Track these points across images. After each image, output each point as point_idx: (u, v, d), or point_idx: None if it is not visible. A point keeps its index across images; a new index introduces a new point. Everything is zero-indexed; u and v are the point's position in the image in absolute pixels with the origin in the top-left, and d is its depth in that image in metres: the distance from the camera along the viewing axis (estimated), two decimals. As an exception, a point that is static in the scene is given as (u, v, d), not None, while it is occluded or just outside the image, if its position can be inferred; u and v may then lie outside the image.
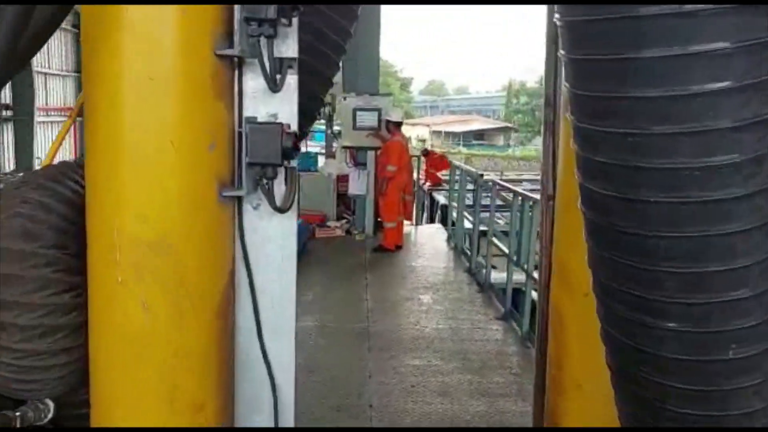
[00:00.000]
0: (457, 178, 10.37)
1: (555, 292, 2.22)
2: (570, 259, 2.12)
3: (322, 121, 10.72)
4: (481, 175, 7.99)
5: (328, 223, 10.06)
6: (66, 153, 22.25)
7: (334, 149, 10.67)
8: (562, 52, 1.36)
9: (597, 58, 1.27)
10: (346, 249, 9.24)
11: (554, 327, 2.19)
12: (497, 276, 7.51)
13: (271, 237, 2.13)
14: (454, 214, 9.92)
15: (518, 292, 6.78)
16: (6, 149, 18.49)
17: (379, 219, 9.60)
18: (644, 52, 1.20)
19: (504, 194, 7.87)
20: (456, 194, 9.98)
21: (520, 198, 6.33)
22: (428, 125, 56.21)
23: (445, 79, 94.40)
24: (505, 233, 8.10)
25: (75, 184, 2.07)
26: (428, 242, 9.91)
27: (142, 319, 1.82)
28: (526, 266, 5.85)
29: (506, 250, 6.63)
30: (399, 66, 66.46)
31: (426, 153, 18.00)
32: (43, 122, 20.12)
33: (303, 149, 11.44)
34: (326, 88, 2.90)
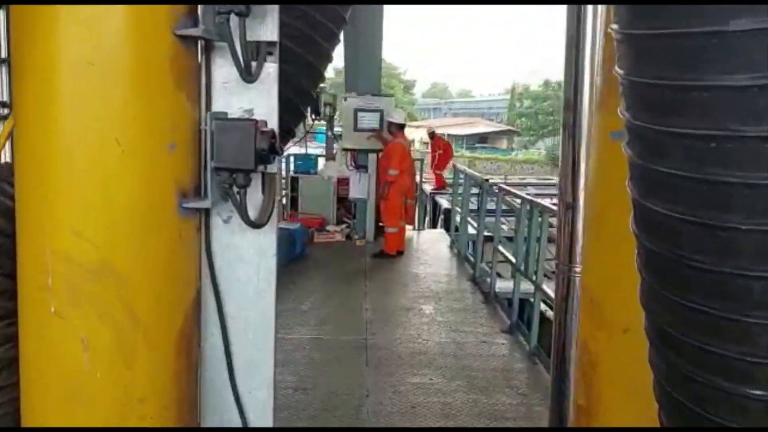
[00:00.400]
0: (460, 182, 10.06)
1: (585, 326, 1.89)
2: (604, 289, 1.78)
3: (323, 121, 10.37)
4: (486, 180, 7.66)
5: (328, 228, 9.72)
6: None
7: (334, 151, 10.33)
8: (615, 27, 1.03)
9: (669, 34, 0.93)
10: (346, 254, 8.90)
11: (584, 369, 1.86)
12: (502, 285, 7.17)
13: (245, 256, 1.79)
14: (458, 219, 9.57)
15: (525, 303, 6.45)
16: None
17: (380, 224, 9.27)
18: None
19: (509, 199, 7.53)
20: (459, 198, 9.64)
21: (527, 204, 5.98)
22: (431, 128, 55.81)
23: (448, 81, 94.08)
24: (510, 239, 7.80)
25: (12, 189, 1.72)
26: (430, 248, 9.57)
27: (81, 358, 1.48)
28: (534, 277, 5.50)
29: (512, 259, 6.29)
30: (402, 68, 66.09)
31: (432, 135, 17.49)
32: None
33: (303, 151, 11.14)
34: (316, 81, 2.58)
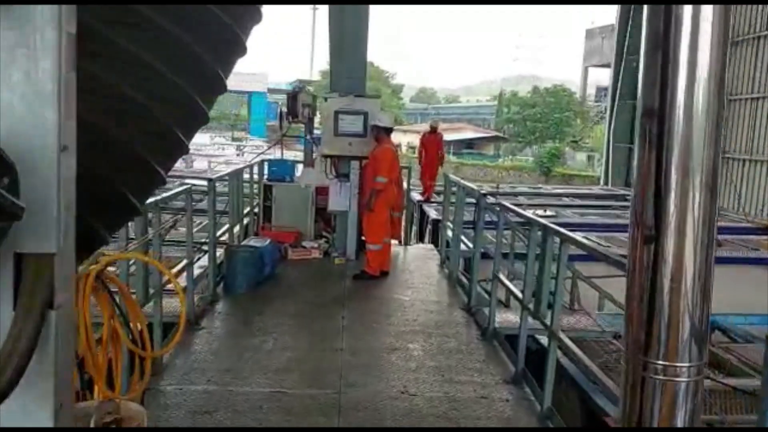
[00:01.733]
0: (453, 190, 8.97)
1: None
2: None
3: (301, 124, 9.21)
4: (484, 195, 6.54)
5: (304, 243, 8.56)
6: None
7: (314, 157, 9.18)
8: None
9: None
10: (323, 275, 7.75)
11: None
12: (503, 318, 6.07)
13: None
14: (449, 234, 8.45)
15: (533, 344, 5.33)
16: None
17: (362, 238, 8.12)
18: None
19: (511, 216, 6.43)
20: (451, 210, 8.53)
21: (537, 227, 4.84)
22: (419, 132, 54.80)
23: (436, 86, 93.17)
24: (508, 256, 6.66)
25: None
26: (419, 267, 8.43)
27: None
28: (549, 320, 4.37)
29: (517, 293, 5.15)
30: (390, 72, 65.01)
31: (434, 130, 15.76)
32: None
33: (273, 155, 9.99)
34: (198, 87, 1.48)
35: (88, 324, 3.22)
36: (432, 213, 13.08)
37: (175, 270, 5.48)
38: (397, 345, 5.51)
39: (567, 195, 18.42)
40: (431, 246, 10.08)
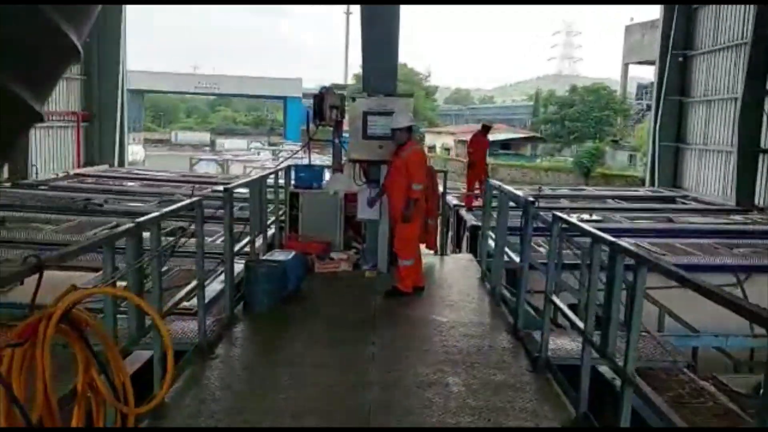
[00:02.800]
0: (494, 194, 8.19)
1: None
2: None
3: (330, 128, 8.51)
4: (532, 202, 5.72)
5: (332, 255, 7.84)
6: (68, 158, 20.46)
7: (343, 162, 8.47)
8: None
9: None
10: (351, 291, 7.03)
11: None
12: (558, 346, 5.25)
13: None
14: (491, 244, 7.64)
15: (598, 380, 4.50)
16: (-2, 155, 16.65)
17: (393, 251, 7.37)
18: None
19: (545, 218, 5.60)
20: (492, 218, 7.73)
21: (600, 245, 4.01)
22: (453, 134, 53.93)
23: (471, 87, 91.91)
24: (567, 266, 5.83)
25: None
26: (457, 282, 7.64)
27: None
28: (620, 360, 3.55)
29: (576, 321, 4.33)
30: (424, 74, 64.14)
31: (487, 129, 14.65)
32: (42, 127, 18.27)
33: (303, 160, 9.33)
34: None
35: (48, 378, 2.55)
36: (470, 219, 12.28)
37: (184, 291, 4.82)
38: (433, 378, 4.74)
39: (612, 197, 17.37)
40: (470, 256, 9.26)
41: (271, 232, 8.05)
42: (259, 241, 7.19)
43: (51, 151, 18.83)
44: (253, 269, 6.04)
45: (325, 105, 8.01)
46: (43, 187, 14.70)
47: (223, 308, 5.78)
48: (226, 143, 53.94)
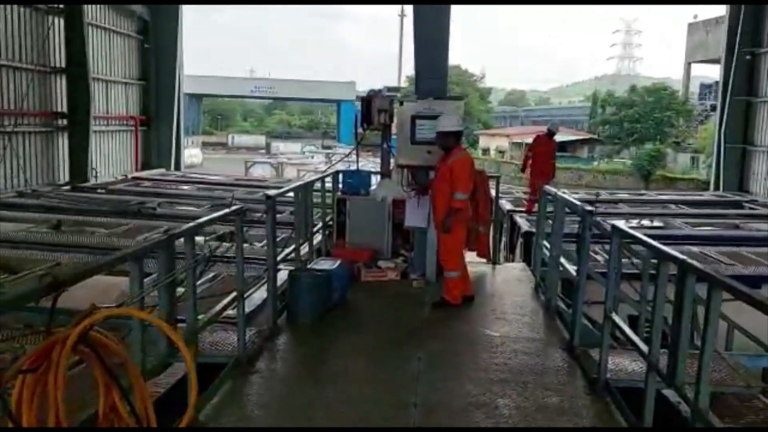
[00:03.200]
0: (548, 198, 7.82)
1: None
2: None
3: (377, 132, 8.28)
4: (590, 211, 5.33)
5: (379, 263, 7.61)
6: (127, 162, 20.91)
7: (391, 167, 8.24)
8: None
9: None
10: (398, 302, 6.77)
11: None
12: (618, 367, 4.86)
13: None
14: (545, 254, 7.26)
15: (661, 403, 4.11)
16: (60, 159, 17.16)
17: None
18: None
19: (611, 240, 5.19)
20: (547, 225, 7.34)
21: (666, 262, 3.62)
22: (508, 136, 53.06)
23: (526, 89, 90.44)
24: (603, 274, 5.40)
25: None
26: (509, 292, 7.29)
27: None
28: (690, 391, 3.17)
29: (641, 344, 3.94)
30: (478, 75, 63.36)
31: (553, 134, 13.62)
32: (103, 131, 18.74)
33: (348, 165, 9.15)
34: None
35: (61, 408, 2.38)
36: (524, 224, 11.84)
37: (225, 301, 4.65)
38: (483, 399, 4.43)
39: (674, 202, 16.53)
40: (523, 265, 8.86)
41: (318, 239, 7.88)
42: (305, 249, 7.02)
43: (111, 155, 19.28)
44: (297, 279, 5.85)
45: (373, 108, 7.79)
46: (101, 191, 14.98)
47: (266, 318, 5.60)
48: (281, 146, 54.54)
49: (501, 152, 51.86)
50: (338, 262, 6.59)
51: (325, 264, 6.47)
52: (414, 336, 5.68)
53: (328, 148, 50.03)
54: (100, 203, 12.65)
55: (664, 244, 3.81)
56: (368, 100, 7.84)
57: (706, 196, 18.78)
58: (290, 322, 5.85)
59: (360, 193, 8.22)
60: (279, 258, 5.78)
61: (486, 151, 53.84)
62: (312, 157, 42.27)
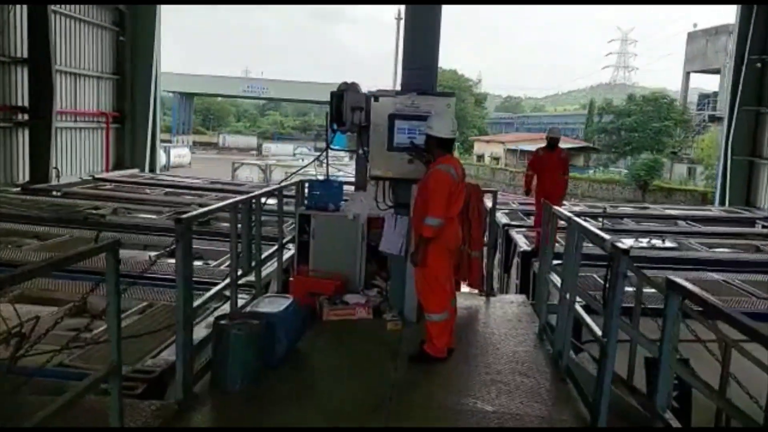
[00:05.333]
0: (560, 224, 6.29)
1: None
2: None
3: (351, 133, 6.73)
4: (625, 251, 3.76)
5: (347, 297, 6.04)
6: (97, 161, 19.28)
7: (368, 178, 6.68)
8: None
9: None
10: (366, 351, 5.21)
11: None
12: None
13: None
14: (553, 291, 5.73)
15: None
16: (20, 158, 15.53)
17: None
18: None
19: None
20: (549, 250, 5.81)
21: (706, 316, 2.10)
22: (503, 143, 51.63)
23: (521, 96, 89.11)
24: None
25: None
26: (507, 338, 5.73)
27: None
28: None
29: None
30: (474, 80, 61.86)
31: (556, 142, 9.84)
32: (69, 128, 17.11)
33: (315, 173, 7.64)
34: None
35: None
36: (521, 242, 10.29)
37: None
38: None
39: (682, 217, 15.01)
40: (523, 298, 7.26)
41: (269, 269, 6.34)
42: (249, 285, 5.46)
43: (78, 154, 17.65)
44: (224, 331, 4.27)
45: (344, 106, 6.22)
46: (56, 194, 13.38)
47: (175, 388, 4.02)
48: (273, 147, 52.90)
49: (496, 159, 50.43)
50: (289, 301, 5.02)
51: (271, 305, 4.90)
52: (378, 410, 4.12)
53: (320, 150, 48.46)
54: (46, 209, 11.04)
55: (681, 269, 2.74)
56: (339, 96, 6.27)
57: (715, 211, 17.29)
58: (214, 389, 4.28)
59: (328, 209, 6.66)
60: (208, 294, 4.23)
61: (481, 157, 52.36)
62: (303, 159, 40.67)
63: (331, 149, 6.70)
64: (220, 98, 66.79)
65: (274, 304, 4.91)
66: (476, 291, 6.99)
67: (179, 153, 43.04)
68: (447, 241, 4.96)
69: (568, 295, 4.82)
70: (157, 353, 4.61)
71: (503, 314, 6.43)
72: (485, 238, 7.03)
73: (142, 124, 19.43)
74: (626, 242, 8.97)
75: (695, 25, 45.48)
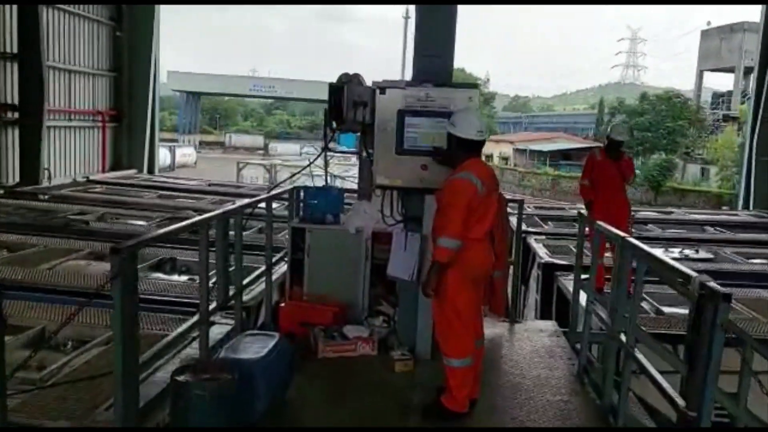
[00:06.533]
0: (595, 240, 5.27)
1: None
2: None
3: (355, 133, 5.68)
4: (726, 297, 2.72)
5: (346, 329, 4.99)
6: (93, 162, 18.36)
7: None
8: None
9: None
10: (368, 401, 4.17)
11: None
12: None
13: None
14: (594, 322, 4.69)
15: None
16: (10, 158, 14.60)
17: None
18: None
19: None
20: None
21: None
22: (512, 142, 50.46)
23: (529, 95, 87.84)
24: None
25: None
26: (539, 382, 4.66)
27: None
28: None
29: None
30: (482, 79, 60.64)
31: (618, 146, 7.18)
32: (62, 127, 16.17)
33: (312, 179, 6.65)
34: None
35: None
36: (541, 251, 9.22)
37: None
38: None
39: (710, 223, 13.84)
40: (552, 326, 6.15)
41: (259, 287, 5.31)
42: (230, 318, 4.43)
43: (72, 154, 16.69)
44: (183, 390, 3.24)
45: (345, 100, 5.16)
46: (43, 196, 12.41)
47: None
48: (279, 147, 51.89)
49: (504, 159, 49.26)
50: (274, 340, 3.98)
51: (250, 347, 3.87)
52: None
53: (328, 150, 47.44)
54: (25, 214, 10.07)
55: (722, 284, 2.71)
56: (338, 89, 5.21)
57: (742, 215, 16.14)
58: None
59: (326, 221, 5.63)
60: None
61: (489, 157, 51.20)
62: (309, 159, 39.68)
63: (333, 151, 5.66)
64: (227, 98, 65.85)
65: (254, 346, 3.88)
66: (500, 317, 5.93)
67: (184, 153, 42.12)
68: (470, 267, 3.92)
69: (624, 338, 3.77)
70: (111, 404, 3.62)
71: (532, 348, 5.36)
72: (510, 255, 5.99)
73: (141, 123, 18.43)
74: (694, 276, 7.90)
75: (709, 23, 44.15)
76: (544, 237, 10.57)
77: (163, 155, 36.38)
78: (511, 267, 6.15)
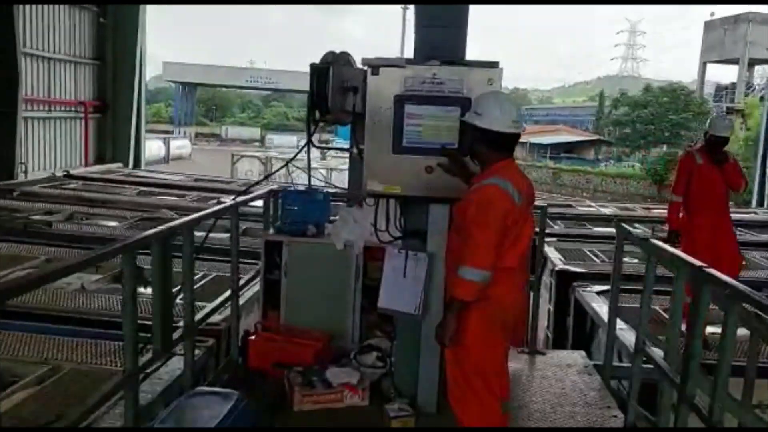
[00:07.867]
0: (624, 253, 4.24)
1: None
2: None
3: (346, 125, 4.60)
4: None
5: (329, 373, 3.92)
6: (75, 155, 17.26)
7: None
8: None
9: None
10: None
11: None
12: None
13: None
14: (628, 350, 3.64)
15: None
16: (-17, 151, 13.49)
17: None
18: None
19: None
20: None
21: None
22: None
23: (528, 88, 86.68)
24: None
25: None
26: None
27: None
28: None
29: None
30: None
31: (723, 144, 5.37)
32: (41, 118, 15.06)
33: (291, 181, 5.59)
34: None
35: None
36: (555, 257, 8.14)
37: None
38: None
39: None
40: (581, 358, 5.08)
41: (227, 311, 4.24)
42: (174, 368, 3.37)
43: (51, 147, 15.57)
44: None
45: (330, 86, 4.07)
46: (12, 194, 11.32)
47: None
48: (276, 139, 50.66)
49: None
50: (230, 403, 2.92)
51: (197, 417, 2.81)
52: None
53: (326, 142, 46.32)
54: (-16, 215, 9.00)
55: None
56: (322, 71, 4.11)
57: (761, 214, 15.09)
58: None
59: (307, 232, 4.56)
60: None
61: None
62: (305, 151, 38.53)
63: (323, 147, 4.58)
64: (224, 89, 64.56)
65: (203, 414, 2.82)
66: (518, 349, 4.87)
67: (179, 145, 40.94)
68: (500, 307, 2.87)
69: (687, 394, 2.72)
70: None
71: (561, 391, 4.30)
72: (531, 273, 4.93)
73: (126, 115, 17.30)
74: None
75: (712, 14, 42.95)
76: (555, 239, 9.49)
77: (157, 147, 35.25)
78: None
